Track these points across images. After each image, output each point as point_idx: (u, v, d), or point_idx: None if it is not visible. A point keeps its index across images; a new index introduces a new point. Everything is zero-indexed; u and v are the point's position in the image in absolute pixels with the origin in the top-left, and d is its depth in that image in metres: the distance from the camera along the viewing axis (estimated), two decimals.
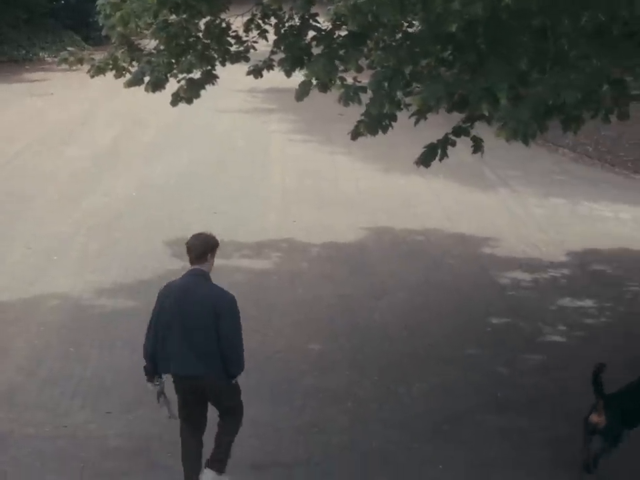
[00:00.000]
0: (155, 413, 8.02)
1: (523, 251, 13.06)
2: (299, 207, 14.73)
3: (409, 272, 12.14)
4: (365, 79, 8.59)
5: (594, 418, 7.49)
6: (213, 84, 10.05)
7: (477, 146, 9.60)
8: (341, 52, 8.91)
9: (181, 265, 11.40)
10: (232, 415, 7.00)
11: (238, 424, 7.03)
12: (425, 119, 9.18)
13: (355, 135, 9.12)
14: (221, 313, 6.72)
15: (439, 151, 9.29)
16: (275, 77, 10.16)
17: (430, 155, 9.31)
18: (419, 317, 10.74)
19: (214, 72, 10.00)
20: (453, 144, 9.49)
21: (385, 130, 8.85)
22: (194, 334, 6.70)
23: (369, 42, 9.00)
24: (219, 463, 6.91)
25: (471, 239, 13.54)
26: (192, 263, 6.92)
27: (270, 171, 16.95)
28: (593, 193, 16.06)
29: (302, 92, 8.68)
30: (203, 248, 6.88)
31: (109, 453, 7.78)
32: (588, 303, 11.31)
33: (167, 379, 6.99)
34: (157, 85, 9.58)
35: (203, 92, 10.06)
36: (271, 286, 11.46)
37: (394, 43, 8.58)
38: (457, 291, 11.60)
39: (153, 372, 6.93)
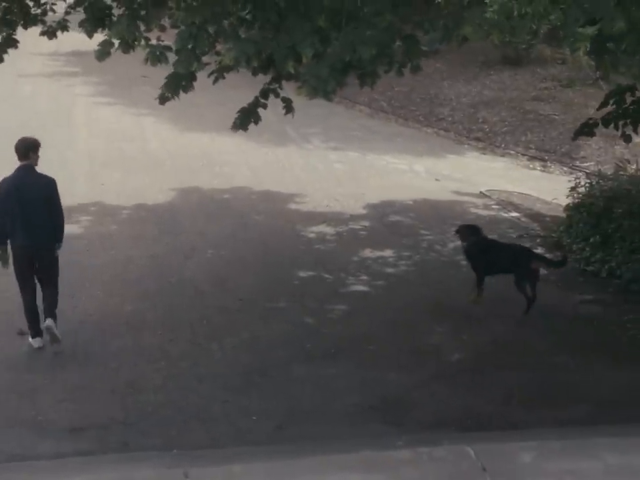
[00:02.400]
0: None
1: (326, 205, 13.55)
2: (106, 170, 14.69)
3: (217, 230, 12.41)
4: (169, 39, 8.71)
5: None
6: (15, 48, 9.92)
7: (288, 107, 9.83)
8: (142, 12, 8.98)
9: None
10: (54, 284, 8.95)
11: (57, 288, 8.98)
12: (224, 78, 9.40)
13: (163, 99, 9.24)
14: (50, 193, 8.84)
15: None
16: (77, 39, 10.09)
17: (246, 119, 9.55)
18: (229, 272, 11.02)
19: (14, 36, 9.87)
20: (264, 106, 9.75)
21: (185, 90, 9.01)
22: (31, 212, 8.65)
23: (169, 2, 9.11)
24: (55, 314, 8.79)
25: (277, 195, 13.92)
26: (20, 160, 8.82)
27: (76, 135, 16.75)
28: (389, 147, 16.75)
29: (102, 52, 8.68)
30: (24, 148, 8.81)
31: None
32: (387, 252, 11.88)
33: None
34: None
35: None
36: (82, 250, 11.43)
37: (195, 3, 8.71)
38: (264, 246, 11.95)
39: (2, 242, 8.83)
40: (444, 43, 9.07)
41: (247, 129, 9.57)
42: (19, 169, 8.84)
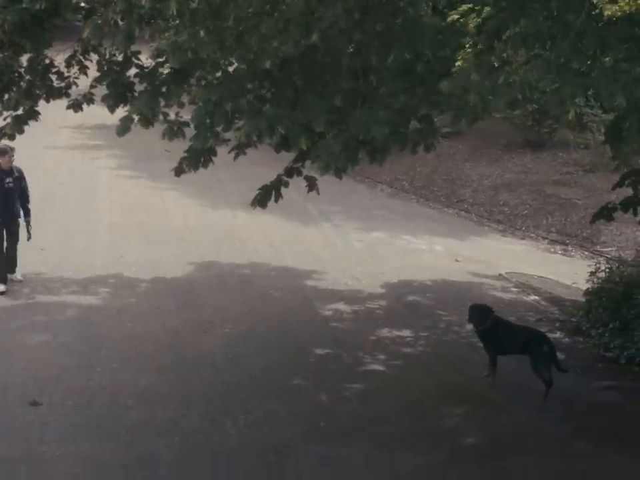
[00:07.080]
0: None
1: (345, 283, 13.55)
2: (127, 242, 14.79)
3: (236, 305, 12.39)
4: (187, 114, 8.84)
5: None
6: (36, 120, 10.09)
7: (312, 185, 9.90)
8: (163, 89, 9.14)
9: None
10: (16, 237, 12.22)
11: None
12: (244, 154, 9.50)
13: (179, 171, 9.34)
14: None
15: (273, 192, 9.62)
16: (102, 113, 10.25)
17: (265, 196, 9.63)
18: (245, 348, 10.96)
19: (36, 108, 10.05)
20: (286, 185, 9.83)
21: (205, 165, 9.12)
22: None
23: (190, 79, 9.26)
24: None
25: (296, 272, 13.93)
26: None
27: (98, 207, 16.93)
28: (409, 227, 16.81)
29: (123, 127, 8.82)
30: None
31: None
32: (405, 332, 11.80)
33: None
34: None
35: (29, 128, 10.10)
36: (99, 322, 11.46)
37: (214, 81, 8.86)
38: (282, 322, 11.90)
39: None
40: (456, 123, 9.17)
41: (266, 206, 9.63)
42: None
